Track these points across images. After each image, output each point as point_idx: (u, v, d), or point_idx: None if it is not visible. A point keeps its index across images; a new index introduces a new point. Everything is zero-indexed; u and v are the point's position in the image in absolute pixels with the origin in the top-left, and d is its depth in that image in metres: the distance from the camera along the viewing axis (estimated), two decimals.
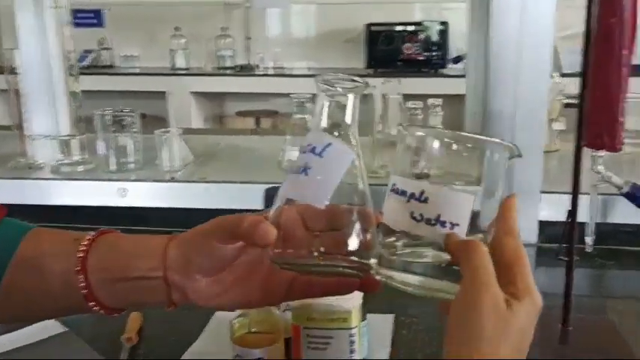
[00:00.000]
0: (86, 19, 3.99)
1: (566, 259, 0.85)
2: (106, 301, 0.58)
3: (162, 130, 1.48)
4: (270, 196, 0.97)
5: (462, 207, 0.48)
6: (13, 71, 1.51)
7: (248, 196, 1.31)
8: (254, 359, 0.76)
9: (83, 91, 1.61)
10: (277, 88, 3.67)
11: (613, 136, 0.79)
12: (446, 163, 0.50)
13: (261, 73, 3.98)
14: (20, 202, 1.33)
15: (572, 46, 2.84)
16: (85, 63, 3.97)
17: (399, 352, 0.87)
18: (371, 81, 0.66)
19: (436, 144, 0.50)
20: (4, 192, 1.40)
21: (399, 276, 0.50)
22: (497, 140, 0.50)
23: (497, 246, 0.49)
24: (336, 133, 0.53)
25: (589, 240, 1.09)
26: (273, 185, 0.97)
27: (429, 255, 0.49)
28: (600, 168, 1.00)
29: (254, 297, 0.58)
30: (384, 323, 0.93)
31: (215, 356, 0.84)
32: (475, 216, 0.48)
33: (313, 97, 1.47)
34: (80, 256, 0.57)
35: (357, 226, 0.52)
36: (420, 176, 0.50)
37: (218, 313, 0.94)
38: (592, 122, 0.80)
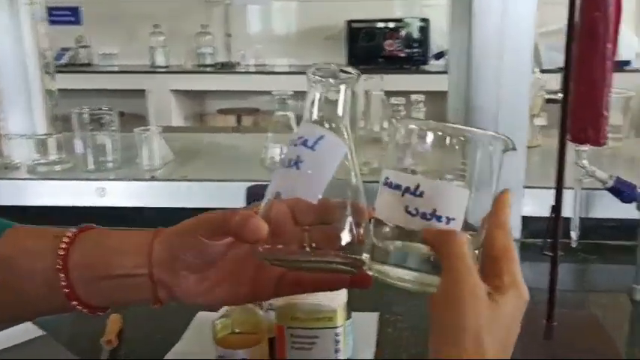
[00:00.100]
0: (63, 16, 3.93)
1: (550, 254, 0.85)
2: (89, 299, 0.56)
3: (142, 128, 1.46)
4: (251, 194, 0.96)
5: (458, 201, 0.47)
6: None
7: (229, 195, 1.30)
8: None
9: (61, 90, 1.58)
10: (258, 85, 3.65)
11: (597, 130, 0.79)
12: (439, 156, 0.49)
13: (243, 70, 3.95)
14: None
15: (552, 42, 2.87)
16: (63, 61, 3.90)
17: (384, 351, 0.87)
18: None
19: (430, 137, 0.49)
20: None
21: (392, 271, 0.49)
22: (492, 133, 0.49)
23: (488, 239, 0.48)
24: (327, 126, 0.51)
25: (574, 235, 1.09)
26: (255, 183, 0.96)
27: (423, 250, 0.48)
28: (584, 162, 1.00)
29: (242, 293, 0.56)
30: (368, 321, 0.92)
31: (198, 357, 0.82)
32: (468, 210, 0.48)
33: (295, 95, 1.47)
34: (61, 254, 0.55)
35: (349, 220, 0.50)
36: (413, 170, 0.48)
37: (201, 313, 0.93)
38: (576, 116, 0.79)
